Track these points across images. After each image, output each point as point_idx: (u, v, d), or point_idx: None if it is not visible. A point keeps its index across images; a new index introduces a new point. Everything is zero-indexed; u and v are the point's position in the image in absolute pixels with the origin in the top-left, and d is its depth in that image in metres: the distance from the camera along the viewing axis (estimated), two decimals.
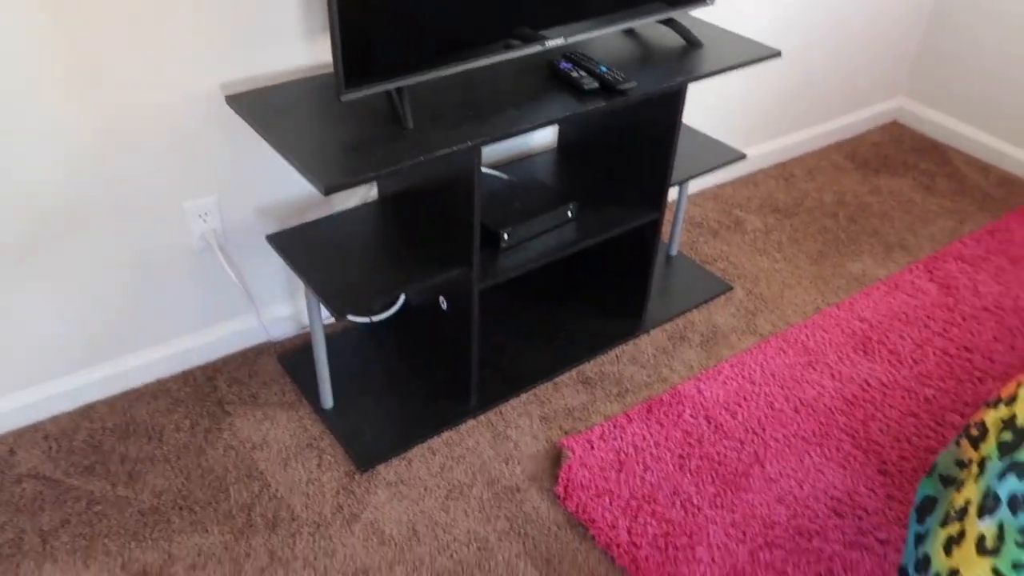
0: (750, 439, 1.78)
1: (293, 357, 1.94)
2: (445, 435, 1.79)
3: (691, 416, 1.83)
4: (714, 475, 1.70)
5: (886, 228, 2.52)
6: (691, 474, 1.70)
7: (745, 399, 1.88)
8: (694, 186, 2.63)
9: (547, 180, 1.99)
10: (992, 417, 1.15)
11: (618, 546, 1.56)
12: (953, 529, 1.15)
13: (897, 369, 1.98)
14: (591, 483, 1.67)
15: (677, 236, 2.31)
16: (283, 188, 1.82)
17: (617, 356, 2.01)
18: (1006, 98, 2.79)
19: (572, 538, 1.60)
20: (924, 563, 1.18)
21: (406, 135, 1.44)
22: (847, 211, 2.60)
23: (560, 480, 1.68)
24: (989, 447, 1.12)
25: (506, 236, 1.74)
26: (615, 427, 1.79)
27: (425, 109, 1.52)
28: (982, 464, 1.12)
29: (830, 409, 1.87)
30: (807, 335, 2.07)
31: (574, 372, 1.96)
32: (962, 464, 1.16)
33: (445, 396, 1.86)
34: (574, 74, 1.62)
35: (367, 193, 1.94)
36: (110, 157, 1.58)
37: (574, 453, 1.73)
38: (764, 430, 1.81)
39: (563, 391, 1.91)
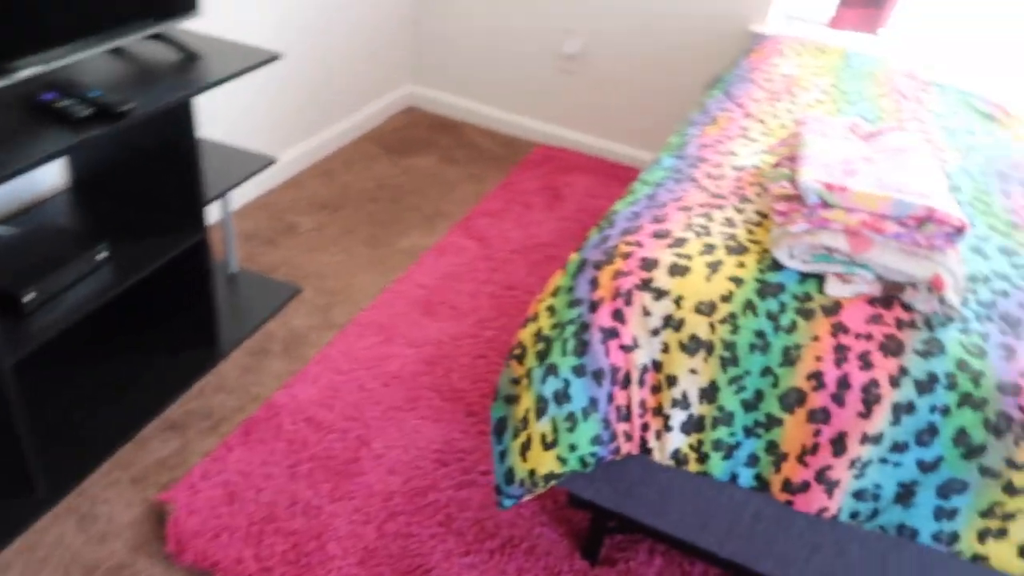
0: (351, 426, 1.84)
1: None
2: (18, 541, 1.53)
3: (291, 424, 1.83)
4: (327, 471, 1.73)
5: (423, 202, 2.77)
6: (305, 479, 1.70)
7: (338, 390, 1.93)
8: (239, 199, 2.59)
9: (67, 224, 1.78)
10: (526, 334, 1.35)
11: None
12: (523, 437, 1.34)
13: (460, 321, 2.21)
14: (204, 527, 1.58)
15: (233, 253, 2.25)
16: None
17: (201, 389, 1.91)
18: (495, 72, 3.24)
19: None
20: (510, 475, 1.36)
21: None
22: (387, 194, 2.79)
23: (169, 537, 1.55)
24: (531, 360, 1.32)
25: (27, 298, 1.52)
26: (215, 461, 1.71)
27: None
28: (529, 375, 1.32)
29: (414, 374, 2.01)
30: (379, 314, 2.19)
31: (158, 421, 1.82)
32: (516, 381, 1.35)
33: (7, 496, 1.58)
34: (61, 103, 1.47)
35: None
36: None
37: (178, 504, 1.61)
38: (362, 413, 1.88)
39: (150, 445, 1.76)
